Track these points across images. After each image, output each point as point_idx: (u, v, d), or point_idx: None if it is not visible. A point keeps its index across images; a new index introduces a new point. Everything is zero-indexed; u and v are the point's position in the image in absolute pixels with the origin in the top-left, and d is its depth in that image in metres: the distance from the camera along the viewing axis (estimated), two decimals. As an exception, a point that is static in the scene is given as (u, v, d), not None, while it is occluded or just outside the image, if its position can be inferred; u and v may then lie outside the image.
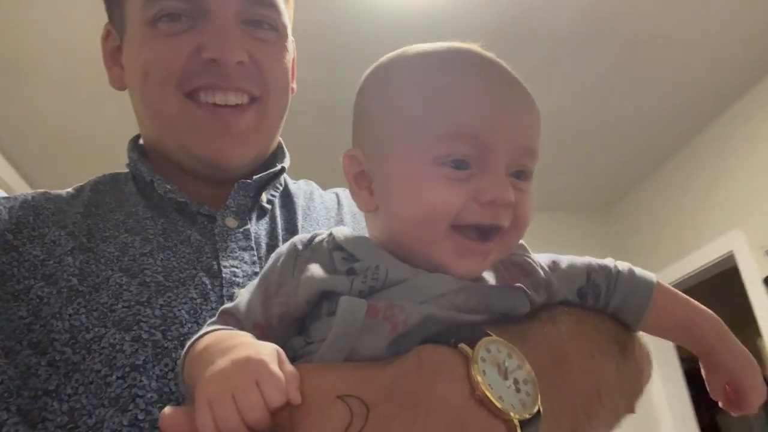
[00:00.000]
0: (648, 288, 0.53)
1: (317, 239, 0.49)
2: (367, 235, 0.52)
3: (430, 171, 0.45)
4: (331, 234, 0.49)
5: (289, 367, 0.39)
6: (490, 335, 0.41)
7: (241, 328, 0.47)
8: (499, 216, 0.45)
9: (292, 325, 0.47)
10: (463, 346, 0.40)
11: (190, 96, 0.66)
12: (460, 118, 0.45)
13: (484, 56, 0.48)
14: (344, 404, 0.37)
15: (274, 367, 0.38)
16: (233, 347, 0.41)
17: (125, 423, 0.48)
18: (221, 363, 0.39)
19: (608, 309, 0.53)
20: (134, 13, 0.67)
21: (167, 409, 0.41)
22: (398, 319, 0.42)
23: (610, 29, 2.47)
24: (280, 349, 0.41)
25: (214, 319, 0.49)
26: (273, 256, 0.50)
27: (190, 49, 0.64)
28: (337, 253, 0.47)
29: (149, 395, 0.49)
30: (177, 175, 0.69)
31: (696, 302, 0.54)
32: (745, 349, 0.52)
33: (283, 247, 0.50)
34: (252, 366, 0.38)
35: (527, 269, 0.50)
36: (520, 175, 0.47)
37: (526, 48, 2.52)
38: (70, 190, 0.71)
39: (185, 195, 0.67)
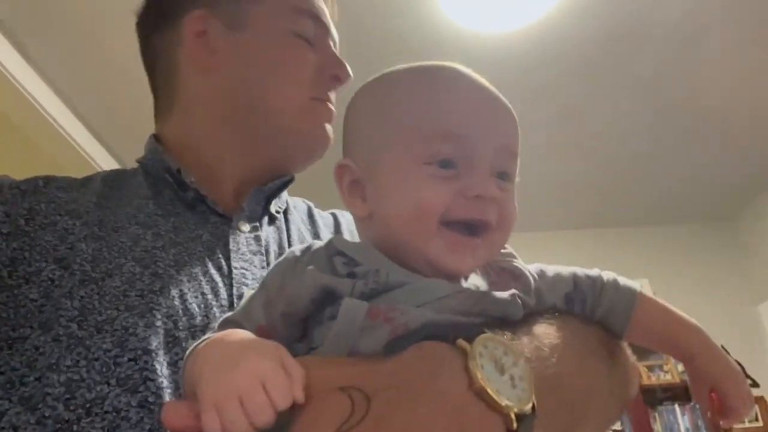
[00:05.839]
0: (631, 297, 0.55)
1: (315, 247, 0.51)
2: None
3: (418, 171, 0.48)
4: (330, 242, 0.51)
5: (293, 364, 0.39)
6: (487, 333, 0.42)
7: None
8: (486, 211, 0.48)
9: (295, 327, 0.48)
10: (461, 341, 0.41)
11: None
12: (443, 120, 0.49)
13: (463, 70, 0.53)
14: (346, 395, 0.38)
15: (279, 368, 0.38)
16: (237, 346, 0.41)
17: (134, 404, 0.48)
18: (225, 363, 0.39)
19: (594, 317, 0.55)
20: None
21: (169, 402, 0.40)
22: (399, 321, 0.43)
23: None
24: (282, 347, 0.41)
25: (215, 330, 0.49)
26: (271, 267, 0.52)
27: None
28: (337, 258, 0.49)
29: (160, 380, 0.50)
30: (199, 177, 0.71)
31: (679, 312, 0.56)
32: (729, 358, 0.53)
33: (281, 258, 0.52)
34: (257, 368, 0.38)
35: (517, 274, 0.53)
36: (504, 176, 0.50)
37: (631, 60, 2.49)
38: (79, 179, 0.71)
39: (207, 189, 0.69)
